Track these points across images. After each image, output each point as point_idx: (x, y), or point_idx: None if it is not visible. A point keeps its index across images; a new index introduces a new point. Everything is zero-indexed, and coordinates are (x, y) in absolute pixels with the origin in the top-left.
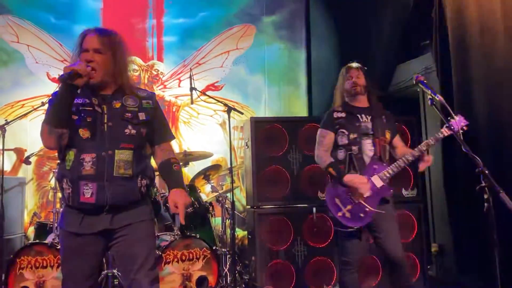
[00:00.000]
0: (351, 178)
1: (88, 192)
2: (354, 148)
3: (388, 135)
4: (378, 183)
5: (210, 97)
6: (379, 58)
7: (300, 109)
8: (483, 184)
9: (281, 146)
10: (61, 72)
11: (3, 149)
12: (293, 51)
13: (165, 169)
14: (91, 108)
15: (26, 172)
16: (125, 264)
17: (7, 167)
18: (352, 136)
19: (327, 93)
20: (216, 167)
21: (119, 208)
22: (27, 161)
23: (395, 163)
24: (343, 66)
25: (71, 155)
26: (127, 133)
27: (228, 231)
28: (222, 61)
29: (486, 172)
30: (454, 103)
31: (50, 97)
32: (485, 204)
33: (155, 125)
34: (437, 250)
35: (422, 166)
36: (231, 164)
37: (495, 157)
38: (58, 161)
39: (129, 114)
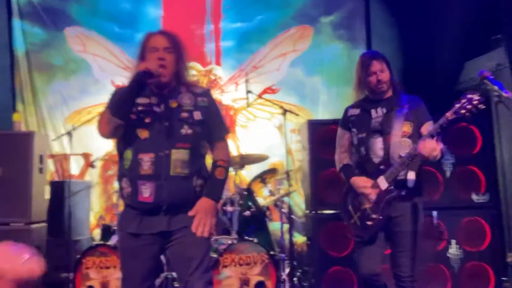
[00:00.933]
0: (354, 181)
1: (146, 192)
2: (362, 149)
3: (408, 128)
4: (383, 185)
5: (266, 100)
6: (444, 55)
7: None
8: None
9: None
10: (122, 79)
11: (66, 154)
12: (353, 50)
13: (210, 171)
14: (150, 108)
15: (93, 176)
16: (180, 266)
17: (76, 171)
18: (360, 135)
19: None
20: (272, 171)
21: (175, 208)
22: (92, 165)
23: (401, 158)
24: (406, 65)
25: (128, 154)
26: (183, 133)
27: (287, 236)
28: (279, 64)
29: None
30: None
31: (115, 90)
32: None
33: (210, 123)
34: None
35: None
36: (287, 167)
37: None
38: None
39: (185, 114)
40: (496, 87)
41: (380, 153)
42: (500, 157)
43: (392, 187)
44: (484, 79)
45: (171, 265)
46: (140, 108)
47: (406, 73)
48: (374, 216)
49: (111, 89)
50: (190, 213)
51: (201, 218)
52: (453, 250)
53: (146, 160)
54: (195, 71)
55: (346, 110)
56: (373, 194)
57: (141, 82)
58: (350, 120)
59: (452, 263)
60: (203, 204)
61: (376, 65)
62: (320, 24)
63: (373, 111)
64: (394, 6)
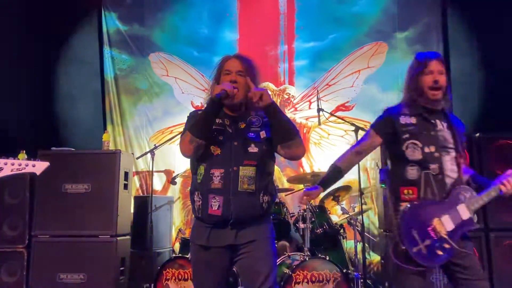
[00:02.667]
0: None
1: (215, 205)
2: (434, 166)
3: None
4: (465, 214)
5: (337, 117)
6: None
7: None
8: None
9: None
10: (201, 100)
11: (150, 171)
12: None
13: None
14: (223, 128)
15: (174, 191)
16: (247, 280)
17: (158, 187)
18: (427, 149)
19: (470, 108)
20: (346, 188)
21: (242, 222)
22: (173, 181)
23: (487, 191)
24: (488, 78)
25: (201, 169)
26: (250, 151)
27: (361, 254)
28: (353, 81)
29: None
30: None
31: (191, 113)
32: None
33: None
34: None
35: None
36: (360, 185)
37: None
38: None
39: (252, 134)
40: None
41: (453, 174)
42: None
43: (474, 218)
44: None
45: (240, 278)
46: (215, 127)
47: (488, 88)
48: (448, 246)
49: (191, 110)
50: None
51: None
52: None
53: (217, 175)
54: (269, 91)
55: (391, 115)
56: (450, 223)
57: (219, 102)
58: (406, 130)
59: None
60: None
61: (436, 65)
62: (395, 40)
63: (438, 122)
64: (473, 17)
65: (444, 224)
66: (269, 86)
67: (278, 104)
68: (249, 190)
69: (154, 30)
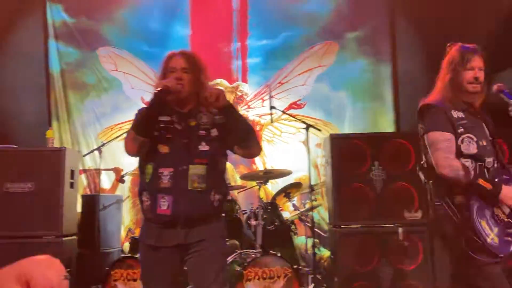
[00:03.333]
0: (509, 191)
1: (164, 205)
2: (489, 160)
3: None
4: None
5: (290, 115)
6: None
7: (387, 125)
8: None
9: (363, 163)
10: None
11: (98, 169)
12: (378, 66)
13: None
14: (171, 126)
15: (123, 190)
16: (197, 279)
17: (107, 185)
18: (481, 143)
19: (416, 108)
20: (297, 185)
21: (192, 222)
22: (121, 180)
23: None
24: (434, 78)
25: (149, 168)
26: (201, 149)
27: (312, 250)
28: (305, 79)
29: None
30: None
31: (139, 110)
32: None
33: (232, 128)
34: None
35: None
36: (310, 181)
37: None
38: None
39: (203, 132)
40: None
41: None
42: None
43: None
44: (500, 93)
45: (189, 277)
46: (162, 125)
47: (433, 86)
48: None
49: (141, 106)
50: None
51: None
52: None
53: (166, 174)
54: (222, 88)
55: (446, 111)
56: (505, 207)
57: (161, 99)
58: (460, 124)
59: None
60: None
61: (478, 61)
62: (345, 40)
63: (479, 117)
64: (420, 20)
65: (502, 208)
66: (222, 83)
67: (231, 101)
68: (200, 189)
69: (103, 24)
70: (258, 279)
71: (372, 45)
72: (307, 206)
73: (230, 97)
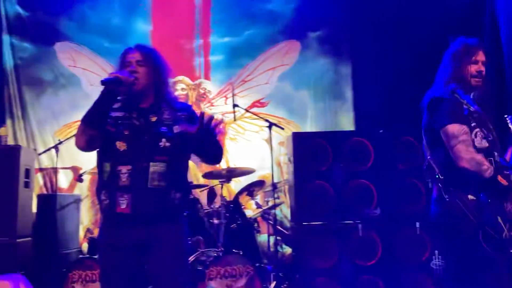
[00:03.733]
0: None
1: (123, 203)
2: (496, 154)
3: None
4: None
5: (253, 113)
6: (428, 69)
7: (348, 124)
8: None
9: (324, 160)
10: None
11: (56, 168)
12: (339, 65)
13: None
14: (129, 121)
15: (82, 189)
16: (158, 278)
17: (64, 185)
18: (490, 138)
19: (375, 107)
20: (260, 183)
21: (153, 221)
22: (79, 179)
23: None
24: (390, 76)
25: (107, 166)
26: (162, 146)
27: (274, 248)
28: (268, 78)
29: None
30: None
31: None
32: None
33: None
34: None
35: None
36: (273, 179)
37: None
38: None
39: (164, 128)
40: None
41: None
42: None
43: None
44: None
45: (149, 278)
46: (119, 121)
47: (392, 86)
48: None
49: None
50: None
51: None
52: (437, 261)
53: (124, 172)
54: (184, 85)
55: (459, 103)
56: None
57: (111, 89)
58: (472, 118)
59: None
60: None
61: (481, 55)
62: (307, 39)
63: (483, 111)
64: (379, 21)
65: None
66: (185, 80)
67: (194, 99)
68: (160, 187)
69: (60, 18)
70: (220, 278)
71: (333, 45)
72: (270, 204)
73: (192, 95)
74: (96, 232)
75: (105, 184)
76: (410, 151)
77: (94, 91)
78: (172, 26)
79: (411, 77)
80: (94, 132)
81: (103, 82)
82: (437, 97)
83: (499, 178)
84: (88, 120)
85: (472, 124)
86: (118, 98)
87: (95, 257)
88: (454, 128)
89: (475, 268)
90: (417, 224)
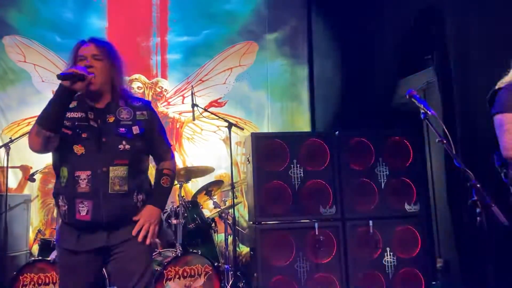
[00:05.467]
0: None
1: (83, 210)
2: None
3: None
4: None
5: (211, 113)
6: (381, 72)
7: (303, 125)
8: (475, 198)
9: (282, 161)
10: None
11: (7, 167)
12: (296, 67)
13: (154, 179)
14: (86, 123)
15: (32, 189)
16: (121, 280)
17: (13, 185)
18: None
19: (330, 108)
20: (218, 183)
21: (115, 225)
22: (31, 179)
23: None
24: (346, 79)
25: (64, 171)
26: (121, 149)
27: (231, 247)
28: (225, 78)
29: (478, 186)
30: (455, 117)
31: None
32: (478, 218)
33: (152, 136)
34: (442, 265)
35: None
36: (232, 179)
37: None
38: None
39: (123, 129)
40: (422, 105)
41: None
42: (429, 170)
43: None
44: (412, 97)
45: (112, 280)
46: (76, 123)
47: (346, 89)
48: None
49: None
50: (135, 218)
51: (143, 224)
52: (388, 258)
53: (83, 178)
54: (140, 83)
55: (509, 91)
56: None
57: (66, 88)
58: None
59: (387, 269)
60: (147, 211)
61: None
62: (265, 40)
63: None
64: (335, 24)
65: None
66: (141, 78)
67: (150, 97)
68: (122, 191)
69: (8, 10)
70: (179, 278)
71: (291, 47)
72: (228, 203)
73: (149, 93)
74: (48, 234)
75: (63, 190)
76: (363, 152)
77: (45, 87)
78: (128, 23)
79: (365, 80)
80: (50, 133)
81: (60, 77)
82: (496, 88)
83: None
84: (43, 121)
85: None
86: (75, 95)
87: (48, 259)
88: (500, 117)
89: None
90: (370, 223)
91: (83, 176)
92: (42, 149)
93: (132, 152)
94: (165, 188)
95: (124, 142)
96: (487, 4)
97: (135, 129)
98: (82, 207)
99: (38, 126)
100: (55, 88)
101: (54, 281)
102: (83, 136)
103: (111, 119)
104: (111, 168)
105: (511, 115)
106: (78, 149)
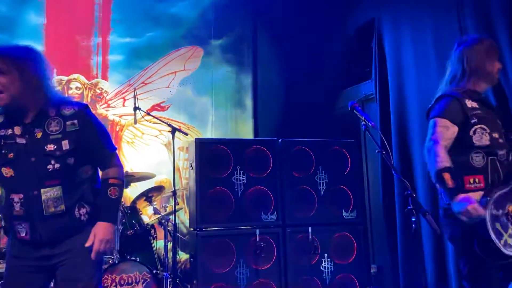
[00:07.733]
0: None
1: (22, 231)
2: (502, 152)
3: None
4: None
5: (154, 117)
6: (323, 83)
7: (247, 132)
8: (411, 207)
9: (225, 167)
10: None
11: None
12: (240, 74)
13: (101, 190)
14: (12, 141)
15: None
16: (67, 287)
17: None
18: (495, 135)
19: (273, 116)
20: (158, 189)
21: (58, 241)
22: None
23: None
24: (289, 87)
25: (2, 192)
26: (50, 169)
27: (171, 254)
28: (169, 82)
29: (414, 195)
30: (391, 128)
31: None
32: (413, 225)
33: (89, 145)
34: (376, 271)
35: None
36: (174, 185)
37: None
38: None
39: (51, 146)
40: (363, 117)
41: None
42: (366, 178)
43: None
44: (354, 109)
45: (59, 286)
46: (2, 141)
47: (289, 98)
48: None
49: None
50: (87, 244)
51: (98, 245)
52: (326, 263)
53: (17, 201)
54: (79, 83)
55: (459, 99)
56: None
57: None
58: (475, 114)
59: (324, 275)
60: (100, 229)
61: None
62: (210, 46)
63: (493, 108)
64: (280, 34)
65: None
66: (80, 78)
67: (89, 98)
68: (58, 212)
69: None
70: (116, 286)
71: (236, 54)
72: (168, 209)
73: (88, 94)
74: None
75: (2, 210)
76: (305, 159)
77: None
78: (68, 21)
79: (308, 90)
80: None
81: None
82: (441, 95)
83: (446, 176)
84: None
85: (472, 121)
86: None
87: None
88: (435, 122)
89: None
90: (309, 229)
91: (16, 199)
92: None
93: (64, 171)
94: (113, 200)
95: (53, 162)
96: (419, 20)
97: (65, 144)
98: (21, 228)
99: None
100: None
101: None
102: (9, 157)
103: (39, 135)
104: (42, 190)
105: (445, 120)
106: (7, 172)
